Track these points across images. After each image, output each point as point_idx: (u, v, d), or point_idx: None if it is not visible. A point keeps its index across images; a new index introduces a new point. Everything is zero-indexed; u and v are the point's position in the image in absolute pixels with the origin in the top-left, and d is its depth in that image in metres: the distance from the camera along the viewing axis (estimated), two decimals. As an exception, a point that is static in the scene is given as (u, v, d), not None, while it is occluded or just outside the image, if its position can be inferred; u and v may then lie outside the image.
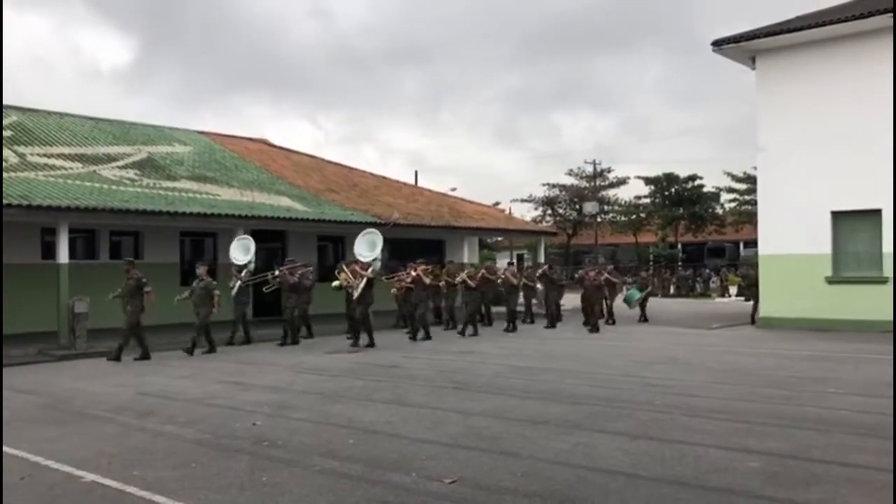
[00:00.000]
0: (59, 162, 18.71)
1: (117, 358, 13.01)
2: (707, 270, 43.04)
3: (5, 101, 22.55)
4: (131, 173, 19.44)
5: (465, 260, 23.83)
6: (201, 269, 14.53)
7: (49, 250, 17.73)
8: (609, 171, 51.78)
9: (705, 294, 36.85)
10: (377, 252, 15.05)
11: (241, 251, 16.22)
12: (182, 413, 8.04)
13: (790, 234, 17.51)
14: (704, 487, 5.10)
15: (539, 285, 20.37)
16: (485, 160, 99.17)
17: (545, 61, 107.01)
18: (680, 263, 47.42)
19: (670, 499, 4.85)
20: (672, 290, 37.46)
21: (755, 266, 19.28)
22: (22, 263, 17.60)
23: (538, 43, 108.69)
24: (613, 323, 19.46)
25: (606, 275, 19.15)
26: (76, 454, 6.26)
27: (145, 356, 13.12)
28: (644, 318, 20.49)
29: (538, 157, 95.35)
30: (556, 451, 6.14)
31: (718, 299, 33.66)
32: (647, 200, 50.06)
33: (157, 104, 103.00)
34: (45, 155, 18.95)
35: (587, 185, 51.61)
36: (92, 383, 10.47)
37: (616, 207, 51.94)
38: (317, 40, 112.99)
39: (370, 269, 14.72)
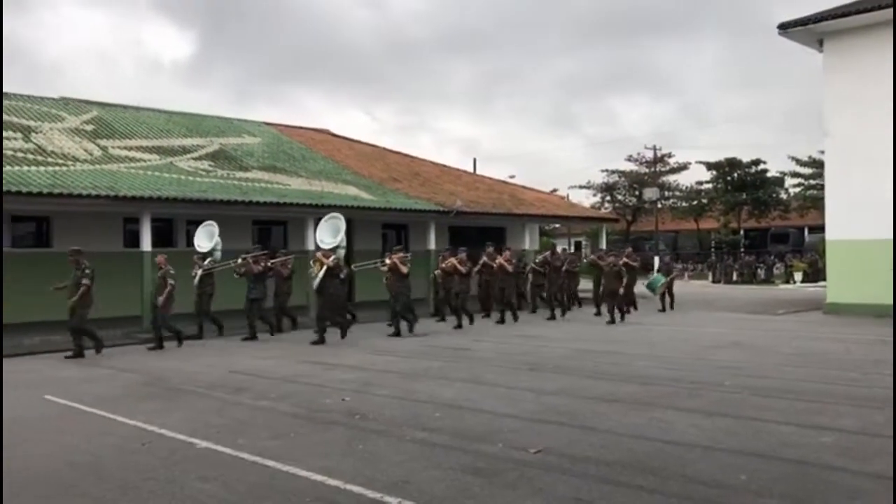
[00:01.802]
0: (138, 154, 19.62)
1: (79, 355, 12.07)
2: (771, 257, 42.40)
3: (83, 97, 23.72)
4: (205, 164, 20.25)
5: (527, 247, 24.11)
6: (160, 258, 13.59)
7: (131, 239, 18.65)
8: (669, 156, 51.27)
9: (769, 281, 36.37)
10: (340, 238, 13.91)
11: (206, 238, 15.29)
12: (273, 389, 8.60)
13: (859, 218, 17.30)
14: (779, 459, 5.36)
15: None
16: (540, 147, 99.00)
17: (599, 46, 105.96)
18: (742, 249, 46.78)
19: (746, 469, 5.12)
20: (735, 277, 37.04)
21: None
22: (106, 252, 18.54)
23: (591, 27, 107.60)
24: (634, 310, 18.32)
25: (625, 258, 18.13)
26: (185, 425, 6.82)
27: (79, 355, 12.10)
28: (664, 307, 19.24)
29: (594, 144, 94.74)
30: (632, 426, 6.46)
31: (783, 286, 33.22)
32: (709, 186, 49.40)
33: (216, 96, 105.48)
34: (125, 147, 19.89)
35: (647, 170, 51.16)
36: (182, 363, 11.14)
37: (677, 193, 51.41)
38: (370, 31, 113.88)
39: (332, 258, 13.56)
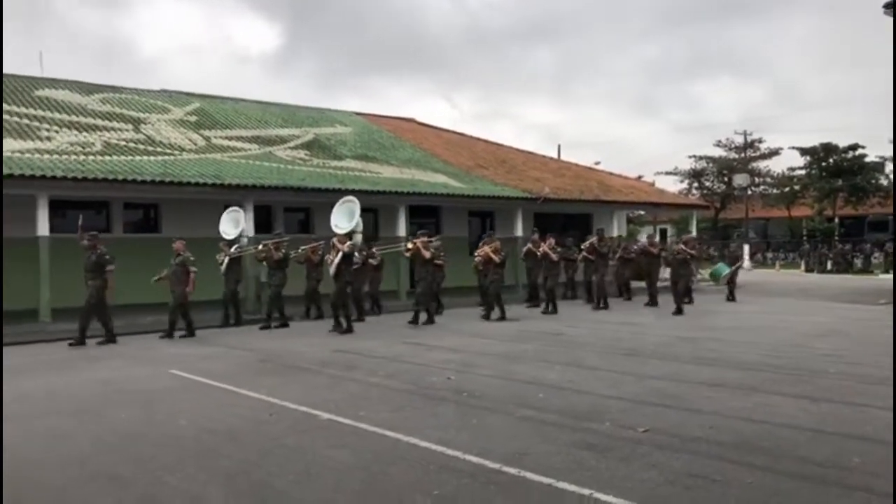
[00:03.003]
0: (238, 144, 20.47)
1: (81, 342, 11.69)
2: (868, 245, 40.78)
3: (183, 89, 24.86)
4: (302, 153, 20.96)
5: (615, 234, 23.98)
6: (178, 244, 13.06)
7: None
8: (760, 141, 49.91)
9: (867, 270, 35.01)
10: (355, 222, 13.40)
11: (231, 224, 15.03)
12: (380, 368, 9.01)
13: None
14: (891, 444, 5.37)
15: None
16: (623, 133, 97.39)
17: (685, 29, 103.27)
18: (837, 238, 45.16)
19: (858, 451, 5.18)
20: (829, 266, 35.83)
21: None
22: (208, 237, 19.43)
23: (677, 9, 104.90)
24: (691, 301, 17.19)
25: (681, 246, 16.66)
26: (305, 398, 7.27)
27: (110, 339, 11.91)
28: (734, 296, 18.65)
29: (679, 129, 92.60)
30: (738, 409, 6.55)
31: (882, 275, 31.92)
32: (802, 172, 47.81)
33: (301, 87, 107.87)
34: (226, 137, 20.78)
35: (736, 156, 49.89)
36: (289, 343, 11.70)
37: (767, 179, 49.98)
38: (451, 20, 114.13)
39: (348, 243, 13.09)
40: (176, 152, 18.37)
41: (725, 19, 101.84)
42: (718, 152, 50.68)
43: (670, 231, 50.60)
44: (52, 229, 14.70)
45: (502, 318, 14.40)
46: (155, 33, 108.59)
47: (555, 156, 39.70)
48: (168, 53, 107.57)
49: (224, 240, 14.88)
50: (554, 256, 16.39)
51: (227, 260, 14.47)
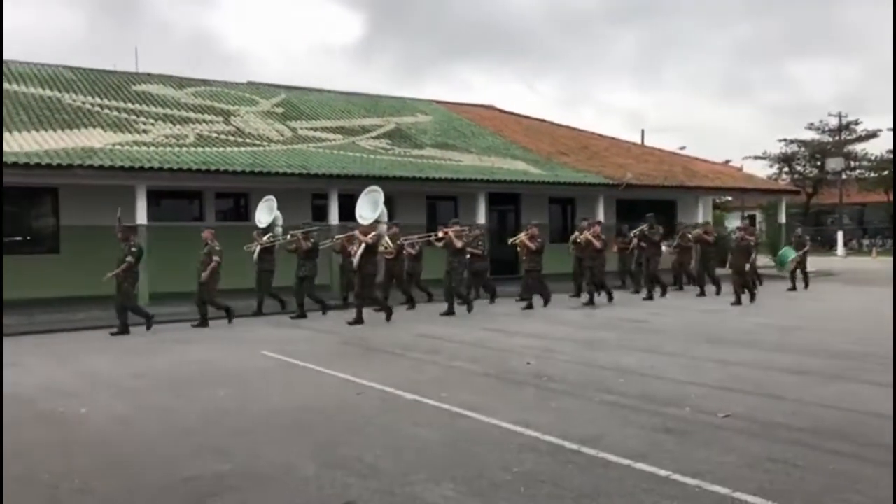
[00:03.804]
0: (323, 134, 21.04)
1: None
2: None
3: (269, 80, 25.63)
4: (384, 143, 21.38)
5: (700, 221, 23.51)
6: (206, 233, 13.02)
7: (317, 213, 20.04)
8: (856, 123, 47.81)
9: (972, 257, 33.20)
10: (380, 211, 13.08)
11: (266, 212, 14.86)
12: (462, 352, 9.24)
13: None
14: None
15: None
16: (710, 116, 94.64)
17: (779, 7, 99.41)
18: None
19: (949, 441, 5.08)
20: (931, 253, 34.12)
21: None
22: (296, 225, 20.04)
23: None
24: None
25: (741, 232, 15.84)
26: (389, 379, 7.55)
27: (124, 332, 11.63)
28: (795, 285, 18.02)
29: (769, 112, 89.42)
30: (821, 396, 6.49)
31: None
32: (904, 154, 45.57)
33: (383, 76, 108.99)
34: (311, 128, 21.39)
35: (830, 139, 47.96)
36: (371, 328, 12.01)
37: (864, 163, 47.87)
38: (533, 3, 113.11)
39: (373, 234, 12.59)
40: (264, 143, 19.04)
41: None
42: (811, 135, 48.91)
43: (759, 217, 49.16)
44: (148, 218, 15.48)
45: (521, 299, 14.47)
46: (240, 25, 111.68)
47: (638, 141, 39.12)
48: (253, 45, 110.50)
49: (258, 228, 14.77)
50: (598, 244, 15.07)
51: (258, 249, 14.33)
